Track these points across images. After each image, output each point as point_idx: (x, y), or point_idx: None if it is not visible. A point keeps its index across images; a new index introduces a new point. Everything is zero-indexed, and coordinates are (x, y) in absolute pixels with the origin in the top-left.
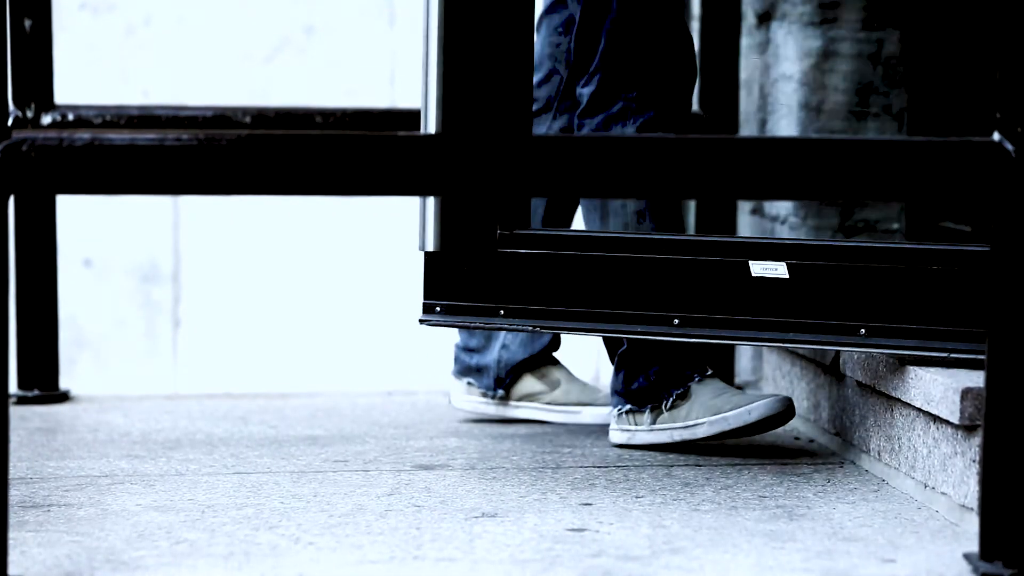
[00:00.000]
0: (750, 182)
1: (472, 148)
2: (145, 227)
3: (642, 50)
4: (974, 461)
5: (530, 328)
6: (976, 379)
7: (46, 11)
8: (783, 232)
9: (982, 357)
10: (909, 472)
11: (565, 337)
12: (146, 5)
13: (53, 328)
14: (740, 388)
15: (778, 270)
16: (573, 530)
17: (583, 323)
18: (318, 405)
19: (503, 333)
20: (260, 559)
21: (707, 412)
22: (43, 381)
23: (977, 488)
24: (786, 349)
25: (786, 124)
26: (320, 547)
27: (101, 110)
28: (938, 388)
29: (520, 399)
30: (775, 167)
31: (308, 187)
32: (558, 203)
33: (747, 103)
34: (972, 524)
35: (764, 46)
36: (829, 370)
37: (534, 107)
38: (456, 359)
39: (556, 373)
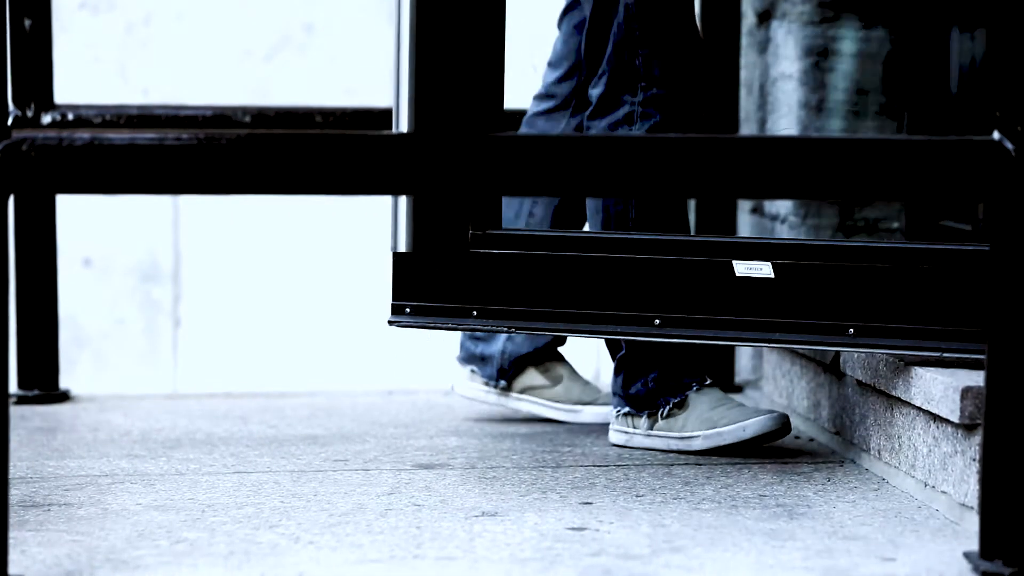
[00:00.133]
0: (748, 181)
1: (444, 147)
2: (145, 226)
3: (649, 53)
4: (974, 460)
5: (504, 329)
6: (976, 378)
7: (46, 10)
8: (783, 231)
9: (975, 357)
10: (909, 471)
11: None
12: (146, 4)
13: (53, 327)
14: (740, 388)
15: (763, 270)
16: (573, 529)
17: (559, 323)
18: (318, 404)
19: None
20: (260, 558)
21: (703, 425)
22: (43, 381)
23: (977, 487)
24: (786, 349)
25: (786, 123)
26: (320, 546)
27: (101, 109)
28: (938, 387)
29: (522, 392)
30: (774, 166)
31: (277, 186)
32: (568, 205)
33: (747, 102)
34: (972, 523)
35: (764, 45)
36: (829, 369)
37: (551, 104)
38: (461, 346)
39: (559, 369)
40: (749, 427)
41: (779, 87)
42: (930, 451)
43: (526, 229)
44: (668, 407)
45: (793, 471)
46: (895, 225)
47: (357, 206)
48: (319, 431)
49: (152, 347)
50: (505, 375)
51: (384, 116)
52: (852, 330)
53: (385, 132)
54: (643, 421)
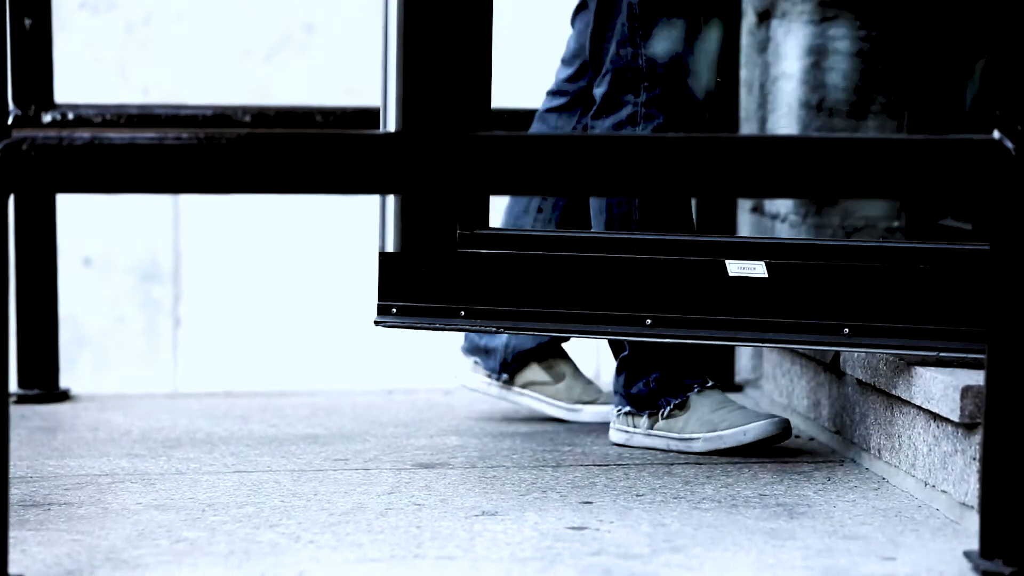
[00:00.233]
0: (748, 180)
1: (431, 146)
2: (145, 226)
3: (652, 53)
4: (974, 459)
5: (493, 329)
6: (976, 377)
7: (46, 10)
8: (783, 230)
9: (971, 356)
10: (909, 470)
11: None
12: (146, 4)
13: (53, 327)
14: (740, 387)
15: (756, 269)
16: (573, 528)
17: (549, 323)
18: (318, 404)
19: None
20: (260, 557)
21: (703, 428)
22: (43, 380)
23: (977, 486)
24: (786, 348)
25: (786, 123)
26: (320, 545)
27: (101, 109)
28: (938, 386)
29: (523, 386)
30: (774, 165)
31: (263, 185)
32: (575, 202)
33: (747, 101)
34: (972, 522)
35: (764, 44)
36: (829, 368)
37: (563, 100)
38: (466, 336)
39: (563, 366)
40: (750, 432)
41: (779, 86)
42: (930, 450)
43: (514, 228)
44: (669, 408)
45: (793, 470)
46: (896, 224)
47: (357, 205)
48: (319, 430)
49: (152, 346)
50: (508, 369)
51: None
52: (847, 330)
53: (372, 131)
54: (644, 421)
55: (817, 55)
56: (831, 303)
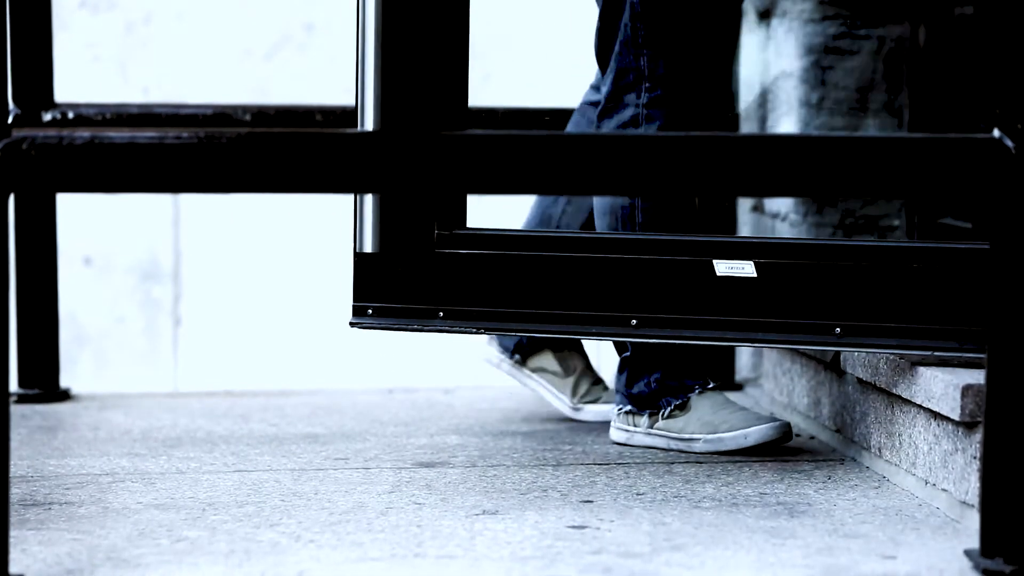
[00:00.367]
0: (748, 179)
1: (408, 145)
2: (145, 225)
3: (653, 54)
4: (975, 458)
5: (473, 330)
6: (977, 376)
7: (46, 9)
8: (784, 229)
9: (967, 356)
10: (910, 469)
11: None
12: (146, 3)
13: (53, 326)
14: (740, 386)
15: (745, 269)
16: (574, 527)
17: (532, 324)
18: (318, 403)
19: None
20: (261, 557)
21: (704, 429)
22: (44, 379)
23: (978, 485)
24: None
25: (787, 121)
26: (321, 545)
27: (101, 108)
28: (939, 385)
29: (534, 370)
30: (774, 164)
31: (239, 184)
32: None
33: (747, 100)
34: (973, 521)
35: (765, 43)
36: (830, 367)
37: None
38: None
39: (575, 360)
40: (751, 435)
41: (780, 85)
42: (931, 449)
43: (493, 229)
44: (670, 408)
45: (794, 469)
46: (895, 223)
47: None
48: (320, 429)
49: (152, 346)
50: (522, 350)
51: None
52: (839, 329)
53: (349, 130)
54: (644, 420)
55: (817, 53)
56: (822, 303)
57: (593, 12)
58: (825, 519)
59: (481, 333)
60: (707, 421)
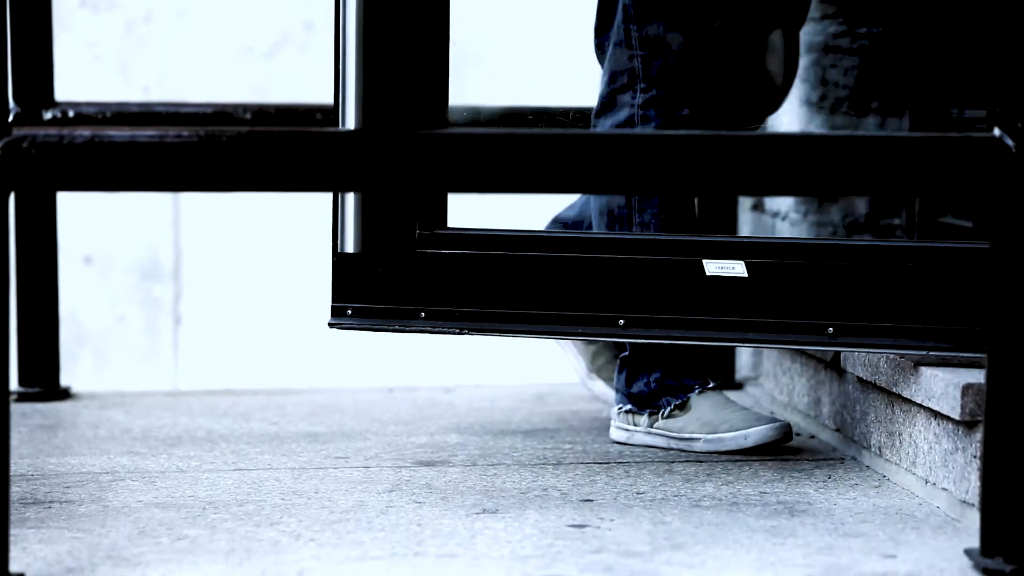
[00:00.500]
0: (747, 178)
1: (388, 144)
2: (146, 224)
3: (647, 55)
4: (975, 457)
5: (456, 331)
6: (977, 375)
7: (46, 8)
8: (784, 228)
9: (963, 355)
10: (910, 468)
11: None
12: (146, 2)
13: (54, 325)
14: (740, 385)
15: (735, 269)
16: (574, 526)
17: (516, 325)
18: (319, 402)
19: None
20: (261, 556)
21: (704, 429)
22: (44, 378)
23: (978, 484)
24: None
25: (787, 120)
26: (321, 543)
27: (101, 107)
28: (939, 384)
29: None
30: (774, 164)
31: (217, 183)
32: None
33: None
34: (973, 520)
35: None
36: (830, 366)
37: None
38: None
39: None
40: (751, 436)
41: None
42: (931, 448)
43: (476, 228)
44: (670, 408)
45: (794, 468)
46: (896, 221)
47: None
48: (320, 428)
49: (153, 344)
50: None
51: None
52: (831, 329)
53: (328, 129)
54: (644, 419)
55: (818, 52)
56: (814, 302)
57: (592, 12)
58: (825, 518)
59: (463, 334)
60: (707, 421)
